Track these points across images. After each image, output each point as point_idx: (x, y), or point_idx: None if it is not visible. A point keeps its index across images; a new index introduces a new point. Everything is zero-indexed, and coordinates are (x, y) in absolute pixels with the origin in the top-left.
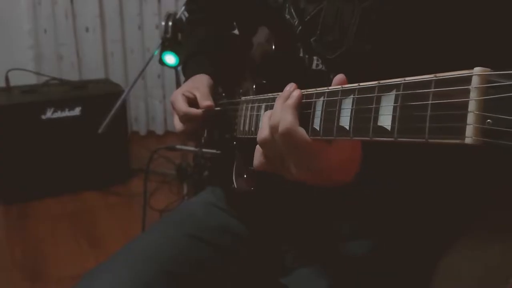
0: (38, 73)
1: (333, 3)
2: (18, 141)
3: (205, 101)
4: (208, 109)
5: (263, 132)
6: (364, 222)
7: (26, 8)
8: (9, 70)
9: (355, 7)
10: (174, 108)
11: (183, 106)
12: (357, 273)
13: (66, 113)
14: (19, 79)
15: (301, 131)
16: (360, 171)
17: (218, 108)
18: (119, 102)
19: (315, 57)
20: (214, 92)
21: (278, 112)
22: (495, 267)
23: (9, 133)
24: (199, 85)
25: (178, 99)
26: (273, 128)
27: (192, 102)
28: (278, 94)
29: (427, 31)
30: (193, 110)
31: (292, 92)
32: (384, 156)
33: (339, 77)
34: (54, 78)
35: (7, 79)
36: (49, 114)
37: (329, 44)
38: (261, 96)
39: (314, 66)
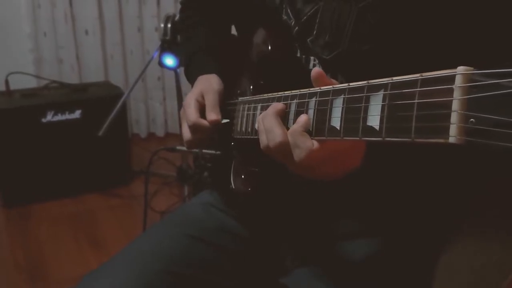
0: (38, 77)
1: (329, 4)
2: (19, 145)
3: (212, 115)
4: (215, 123)
5: (263, 141)
6: (363, 221)
7: (26, 12)
8: (9, 74)
9: (352, 8)
10: (185, 113)
11: (193, 115)
12: (356, 273)
13: (66, 116)
14: (19, 83)
15: None
16: (361, 165)
17: (226, 121)
18: (119, 105)
19: (312, 57)
20: (224, 93)
21: (264, 126)
22: (494, 263)
23: (10, 137)
24: (209, 90)
25: (191, 105)
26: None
27: (203, 109)
28: (273, 95)
29: (424, 31)
30: (203, 122)
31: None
32: (381, 153)
33: (316, 70)
34: (54, 81)
35: (7, 83)
36: (49, 117)
37: (326, 45)
38: (257, 97)
39: (311, 66)
